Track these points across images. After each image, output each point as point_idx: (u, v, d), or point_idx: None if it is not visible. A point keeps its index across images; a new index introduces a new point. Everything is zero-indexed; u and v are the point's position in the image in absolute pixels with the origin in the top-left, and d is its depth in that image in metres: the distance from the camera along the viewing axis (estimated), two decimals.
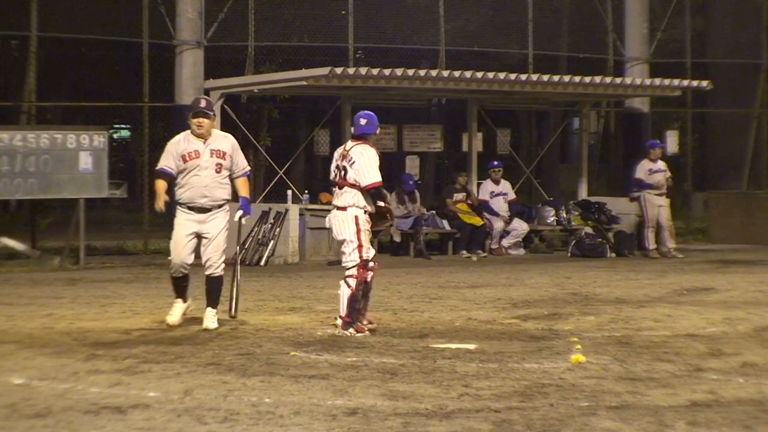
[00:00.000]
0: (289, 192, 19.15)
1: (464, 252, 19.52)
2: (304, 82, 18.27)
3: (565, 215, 21.04)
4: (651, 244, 19.38)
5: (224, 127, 20.02)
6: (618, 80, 21.34)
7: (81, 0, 20.63)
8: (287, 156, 22.01)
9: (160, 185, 10.62)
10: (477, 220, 19.80)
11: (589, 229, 20.14)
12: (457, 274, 16.46)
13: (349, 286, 10.17)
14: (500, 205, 20.25)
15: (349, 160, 10.28)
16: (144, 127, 19.99)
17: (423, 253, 19.25)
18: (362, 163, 10.23)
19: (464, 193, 20.35)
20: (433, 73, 19.07)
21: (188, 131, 10.65)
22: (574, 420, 6.77)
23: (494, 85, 19.45)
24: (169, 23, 19.71)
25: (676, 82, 21.23)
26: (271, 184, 20.69)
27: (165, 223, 20.87)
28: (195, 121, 10.56)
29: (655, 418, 6.81)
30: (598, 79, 20.53)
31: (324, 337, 10.15)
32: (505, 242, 20.13)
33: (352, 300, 10.16)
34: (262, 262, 18.07)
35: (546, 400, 7.34)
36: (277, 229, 18.36)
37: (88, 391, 7.70)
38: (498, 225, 20.04)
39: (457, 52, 22.33)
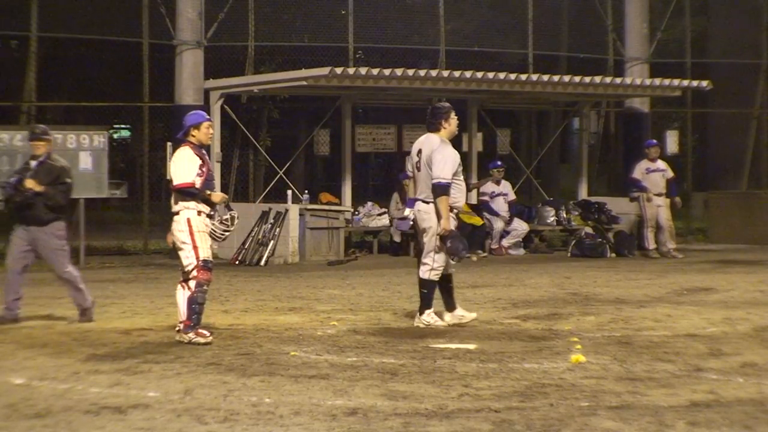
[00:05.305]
0: (289, 192, 19.13)
1: None
2: (304, 82, 18.27)
3: (565, 215, 21.04)
4: (651, 244, 19.37)
5: (224, 127, 20.14)
6: (618, 80, 21.33)
7: (81, 0, 20.63)
8: (287, 156, 22.01)
9: None
10: (477, 220, 19.77)
11: (589, 229, 20.13)
12: (457, 274, 16.35)
13: (189, 288, 9.83)
14: (500, 205, 20.26)
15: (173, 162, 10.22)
16: (144, 127, 19.98)
17: None
18: (175, 162, 10.10)
19: None
20: (433, 73, 19.07)
21: None
22: (574, 420, 6.77)
23: (494, 85, 19.45)
24: (169, 23, 19.69)
25: (676, 82, 21.22)
26: (272, 184, 20.68)
27: (165, 222, 20.96)
28: None
29: (655, 418, 6.81)
30: (598, 79, 20.52)
31: (324, 337, 10.15)
32: (505, 242, 20.13)
33: (191, 302, 9.79)
34: (262, 262, 18.06)
35: (546, 400, 7.34)
36: (277, 229, 18.35)
37: (88, 391, 7.70)
38: (498, 225, 20.04)
39: (457, 52, 22.31)
